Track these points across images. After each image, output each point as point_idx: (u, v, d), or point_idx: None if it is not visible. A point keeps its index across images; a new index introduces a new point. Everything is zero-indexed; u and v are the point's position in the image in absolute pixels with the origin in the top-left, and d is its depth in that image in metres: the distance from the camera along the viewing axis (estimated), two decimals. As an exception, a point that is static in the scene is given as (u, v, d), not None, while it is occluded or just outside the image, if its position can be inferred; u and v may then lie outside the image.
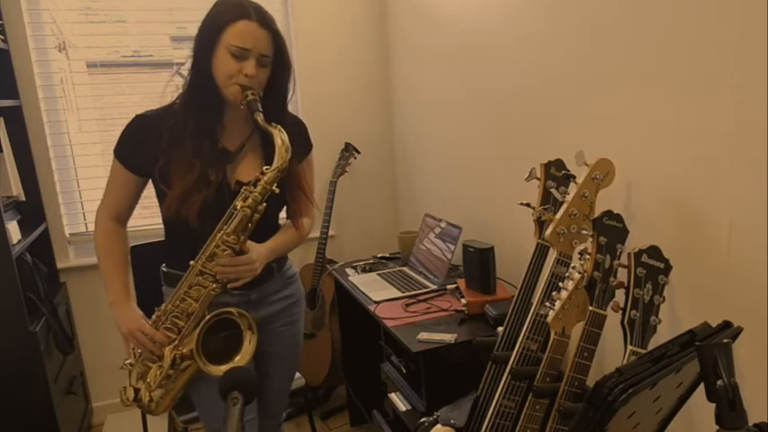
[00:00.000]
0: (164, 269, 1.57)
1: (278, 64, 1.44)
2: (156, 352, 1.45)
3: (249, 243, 1.43)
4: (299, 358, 1.74)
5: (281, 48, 1.42)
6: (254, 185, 1.38)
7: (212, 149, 1.43)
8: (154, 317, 1.47)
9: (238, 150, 1.49)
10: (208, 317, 1.41)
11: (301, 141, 1.57)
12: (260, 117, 1.37)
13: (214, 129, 1.46)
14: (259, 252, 1.46)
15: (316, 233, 2.94)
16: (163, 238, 1.58)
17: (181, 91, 1.46)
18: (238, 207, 1.38)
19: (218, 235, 1.39)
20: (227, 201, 1.41)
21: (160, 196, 1.46)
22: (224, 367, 1.42)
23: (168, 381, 1.45)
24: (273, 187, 1.39)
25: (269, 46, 1.39)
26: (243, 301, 1.52)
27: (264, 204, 1.39)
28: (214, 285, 1.42)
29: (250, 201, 1.37)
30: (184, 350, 1.43)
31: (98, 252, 1.52)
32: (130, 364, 1.51)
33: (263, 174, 1.38)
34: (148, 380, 1.47)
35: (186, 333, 1.44)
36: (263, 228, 1.46)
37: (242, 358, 1.45)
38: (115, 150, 1.47)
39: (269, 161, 1.44)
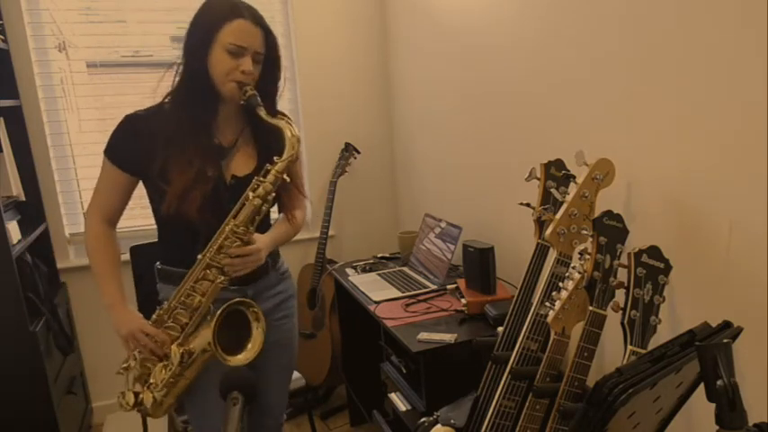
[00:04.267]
0: (159, 266, 1.57)
1: (269, 61, 1.48)
2: (158, 352, 1.44)
3: (254, 234, 1.46)
4: (295, 353, 1.75)
5: (273, 46, 1.47)
6: (265, 176, 1.40)
7: (208, 146, 1.46)
8: (155, 316, 1.46)
9: (232, 145, 1.52)
10: (222, 308, 1.40)
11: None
12: (263, 111, 1.41)
13: (209, 126, 1.48)
14: (263, 241, 1.50)
15: (316, 233, 2.95)
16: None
17: (171, 90, 1.47)
18: (250, 197, 1.40)
19: (228, 227, 1.40)
20: (223, 196, 1.45)
21: (157, 195, 1.45)
22: (240, 356, 1.41)
23: (174, 380, 1.44)
24: (284, 176, 1.42)
25: (262, 44, 1.43)
26: (240, 297, 1.51)
27: (274, 195, 1.42)
28: (222, 278, 1.42)
29: (261, 191, 1.40)
30: (191, 346, 1.42)
31: (91, 254, 1.51)
32: (126, 369, 1.49)
33: (272, 164, 1.40)
34: (152, 380, 1.46)
35: (190, 329, 1.44)
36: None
37: (253, 346, 1.44)
38: (107, 152, 1.47)
39: (262, 154, 1.51)
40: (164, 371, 1.44)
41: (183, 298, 1.43)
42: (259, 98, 1.42)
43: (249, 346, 1.44)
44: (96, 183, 1.51)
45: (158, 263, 1.58)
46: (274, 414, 1.73)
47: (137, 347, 1.45)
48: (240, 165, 1.52)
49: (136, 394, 1.48)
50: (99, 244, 1.51)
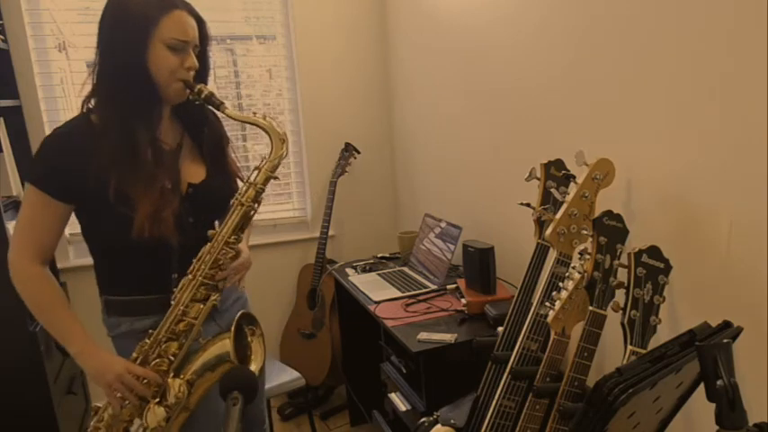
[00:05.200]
0: (112, 299, 1.39)
1: (201, 52, 1.35)
2: (147, 395, 1.27)
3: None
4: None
5: (206, 35, 1.35)
6: (254, 178, 1.29)
7: (163, 155, 1.31)
8: (135, 354, 1.31)
9: (178, 151, 1.38)
10: (234, 324, 1.28)
11: (223, 131, 1.50)
12: (229, 110, 1.29)
13: (156, 132, 1.31)
14: (245, 246, 1.43)
15: (316, 233, 2.95)
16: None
17: (93, 95, 1.29)
18: (243, 202, 1.28)
19: (219, 238, 1.29)
20: (183, 207, 1.33)
21: (111, 221, 1.27)
22: (252, 368, 1.32)
23: (176, 414, 1.30)
24: (275, 174, 1.30)
25: (197, 35, 1.31)
26: (213, 309, 1.41)
27: (262, 197, 1.31)
28: (216, 296, 1.30)
29: (251, 193, 1.28)
30: (188, 376, 1.29)
31: (38, 301, 1.31)
32: (98, 427, 1.32)
33: (259, 166, 1.30)
34: (147, 423, 1.26)
35: (177, 360, 1.31)
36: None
37: (257, 357, 1.35)
38: (34, 180, 1.25)
39: (208, 157, 1.41)
40: (158, 409, 1.26)
41: (173, 326, 1.28)
42: (216, 96, 1.29)
43: (253, 357, 1.35)
44: (20, 218, 1.29)
45: (108, 295, 1.40)
46: (260, 420, 1.67)
47: (122, 393, 1.26)
48: (192, 172, 1.39)
49: None
50: (43, 287, 1.30)
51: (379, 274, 2.49)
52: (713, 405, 0.74)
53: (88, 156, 1.24)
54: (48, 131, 2.57)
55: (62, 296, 1.34)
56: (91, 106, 1.31)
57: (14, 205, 2.41)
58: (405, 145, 3.08)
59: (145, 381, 1.28)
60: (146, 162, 1.26)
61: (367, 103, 3.14)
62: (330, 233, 2.93)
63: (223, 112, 1.30)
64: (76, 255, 2.77)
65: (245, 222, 1.31)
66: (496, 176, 2.21)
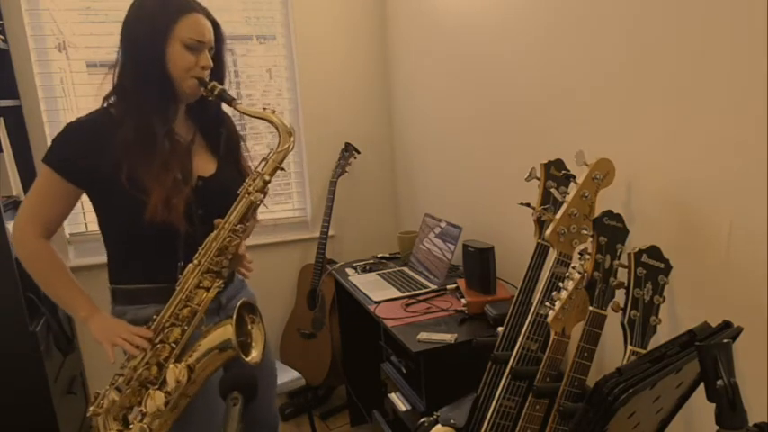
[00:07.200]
0: (120, 287, 1.44)
1: (217, 55, 1.42)
2: (143, 345, 1.32)
3: None
4: (273, 357, 1.70)
5: (221, 38, 1.42)
6: (262, 168, 1.34)
7: (178, 146, 1.37)
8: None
9: (190, 145, 1.44)
10: (236, 310, 1.32)
11: (238, 133, 1.57)
12: (240, 106, 1.35)
13: (172, 125, 1.39)
14: None
15: (316, 233, 2.95)
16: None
17: (116, 90, 1.37)
18: (250, 191, 1.33)
19: (225, 226, 1.33)
20: (195, 199, 1.38)
21: (126, 206, 1.33)
22: (254, 354, 1.34)
23: (175, 401, 1.32)
24: (281, 166, 1.35)
25: (213, 37, 1.38)
26: (215, 305, 1.46)
27: (268, 189, 1.36)
28: (219, 282, 1.35)
29: (259, 183, 1.34)
30: (191, 360, 1.32)
31: (43, 272, 1.39)
32: (100, 408, 1.36)
33: (267, 157, 1.34)
34: (144, 409, 1.31)
35: (179, 347, 1.34)
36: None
37: (258, 344, 1.37)
38: (51, 161, 1.33)
39: (219, 153, 1.48)
40: (157, 394, 1.30)
41: (177, 311, 1.34)
42: (228, 93, 1.35)
43: (254, 344, 1.37)
44: (30, 194, 1.38)
45: (116, 284, 1.45)
46: (272, 427, 1.68)
47: (123, 345, 1.34)
48: (202, 166, 1.45)
49: None
50: (49, 260, 1.39)
51: (379, 274, 2.49)
52: (713, 405, 0.74)
53: (104, 144, 1.31)
54: (48, 131, 2.63)
55: (66, 268, 1.42)
56: (111, 102, 1.38)
57: (14, 205, 2.41)
58: (405, 145, 3.07)
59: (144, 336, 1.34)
60: (161, 151, 1.32)
61: (367, 103, 3.14)
62: (330, 233, 2.93)
63: (234, 108, 1.36)
64: (76, 255, 2.77)
65: (251, 212, 1.35)
66: (496, 176, 2.21)
